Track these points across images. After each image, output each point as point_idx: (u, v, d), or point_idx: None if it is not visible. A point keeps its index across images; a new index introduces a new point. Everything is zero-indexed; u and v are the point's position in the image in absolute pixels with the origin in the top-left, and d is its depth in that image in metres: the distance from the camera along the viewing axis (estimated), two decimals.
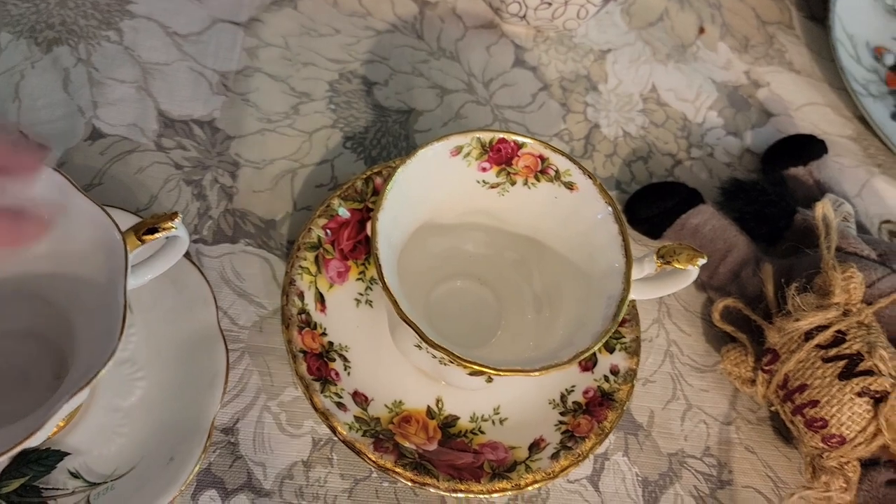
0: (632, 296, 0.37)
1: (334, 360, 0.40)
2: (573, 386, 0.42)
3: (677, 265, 0.35)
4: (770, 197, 0.48)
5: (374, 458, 0.37)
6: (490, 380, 0.37)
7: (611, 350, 0.43)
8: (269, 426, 0.40)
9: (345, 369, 0.40)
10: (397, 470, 0.37)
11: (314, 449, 0.40)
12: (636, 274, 0.36)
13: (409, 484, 0.37)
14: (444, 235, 0.43)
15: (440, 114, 0.51)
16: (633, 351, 0.43)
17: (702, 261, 0.35)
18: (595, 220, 0.37)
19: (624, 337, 0.43)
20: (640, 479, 0.43)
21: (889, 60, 0.62)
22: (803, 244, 0.46)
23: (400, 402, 0.41)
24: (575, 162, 0.38)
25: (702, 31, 0.60)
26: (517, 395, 0.42)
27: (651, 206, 0.48)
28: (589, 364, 0.43)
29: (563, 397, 0.42)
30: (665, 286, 0.38)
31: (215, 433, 0.39)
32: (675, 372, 0.46)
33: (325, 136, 0.48)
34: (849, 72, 0.58)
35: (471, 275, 0.44)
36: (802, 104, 0.59)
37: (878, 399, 0.39)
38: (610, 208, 0.37)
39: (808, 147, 0.52)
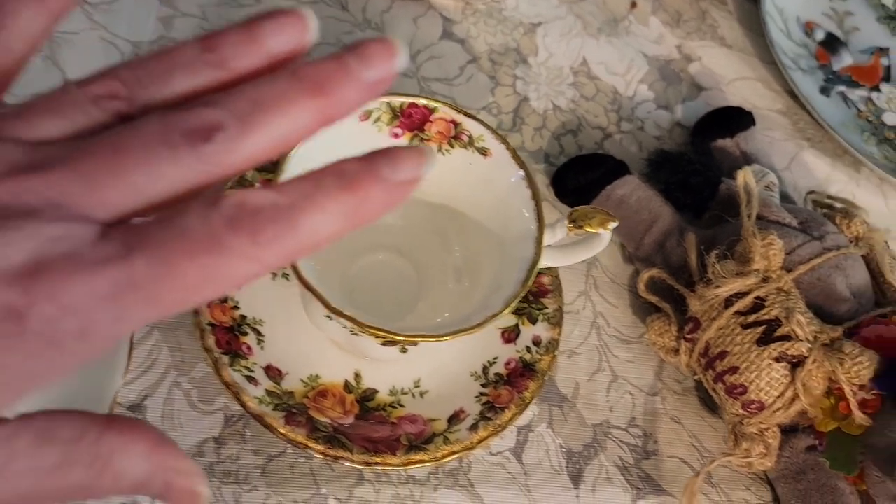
0: (546, 262, 0.36)
1: (246, 333, 0.39)
2: (496, 358, 0.42)
3: (589, 229, 0.35)
4: (695, 167, 0.48)
5: (284, 432, 0.36)
6: (404, 350, 0.37)
7: (533, 321, 0.43)
8: (179, 403, 0.38)
9: (258, 343, 0.39)
10: (309, 444, 0.36)
11: (226, 425, 0.39)
12: (549, 238, 0.36)
13: (321, 457, 0.36)
14: None
15: None
16: (556, 322, 0.42)
17: (613, 224, 0.35)
18: (509, 185, 0.37)
19: (546, 308, 0.43)
20: (564, 450, 0.42)
21: (819, 35, 0.62)
22: (727, 214, 0.46)
23: (316, 376, 0.40)
24: (488, 126, 0.37)
25: (633, 5, 0.60)
26: (437, 368, 0.41)
27: (577, 178, 0.48)
28: (512, 336, 0.42)
29: (485, 369, 0.42)
30: (579, 252, 0.37)
31: (121, 411, 0.37)
32: (601, 343, 0.46)
33: None
34: (778, 46, 0.58)
35: (391, 247, 0.43)
36: (733, 78, 0.60)
37: (796, 364, 0.39)
38: (522, 172, 0.36)
39: (737, 119, 0.53)
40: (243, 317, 0.39)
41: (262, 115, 0.19)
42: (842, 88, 0.60)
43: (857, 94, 0.60)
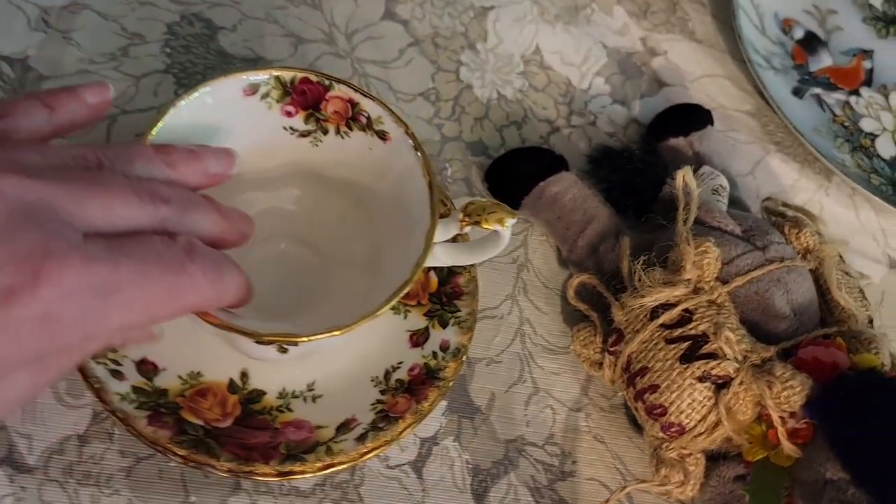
0: (437, 260, 0.33)
1: None
2: (400, 362, 0.39)
3: (485, 225, 0.32)
4: (637, 165, 0.44)
5: (145, 433, 0.33)
6: (283, 350, 0.33)
7: (444, 325, 0.39)
8: (43, 395, 0.36)
9: None
10: (169, 447, 0.33)
11: (93, 422, 0.36)
12: (442, 234, 0.33)
13: (181, 462, 0.33)
14: (262, 191, 0.39)
15: (291, 64, 0.47)
16: (468, 326, 0.39)
17: (511, 221, 0.32)
18: (406, 173, 0.34)
19: (459, 311, 0.40)
20: (470, 466, 0.39)
21: (798, 34, 0.59)
22: (669, 217, 0.42)
23: (198, 373, 0.37)
24: (387, 108, 0.34)
25: None
26: (336, 371, 0.38)
27: (510, 172, 0.44)
28: (420, 339, 0.39)
29: (387, 374, 0.38)
30: (476, 251, 0.34)
31: None
32: (524, 352, 0.43)
33: (155, 82, 0.44)
34: (748, 41, 0.55)
35: (295, 236, 0.40)
36: (700, 75, 0.56)
37: (721, 385, 0.36)
38: (419, 155, 0.33)
39: (693, 117, 0.49)
40: None
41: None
42: (817, 91, 0.56)
43: (833, 98, 0.56)
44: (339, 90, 0.34)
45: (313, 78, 0.34)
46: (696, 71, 0.56)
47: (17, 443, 0.34)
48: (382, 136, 0.34)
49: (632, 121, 0.52)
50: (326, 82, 0.34)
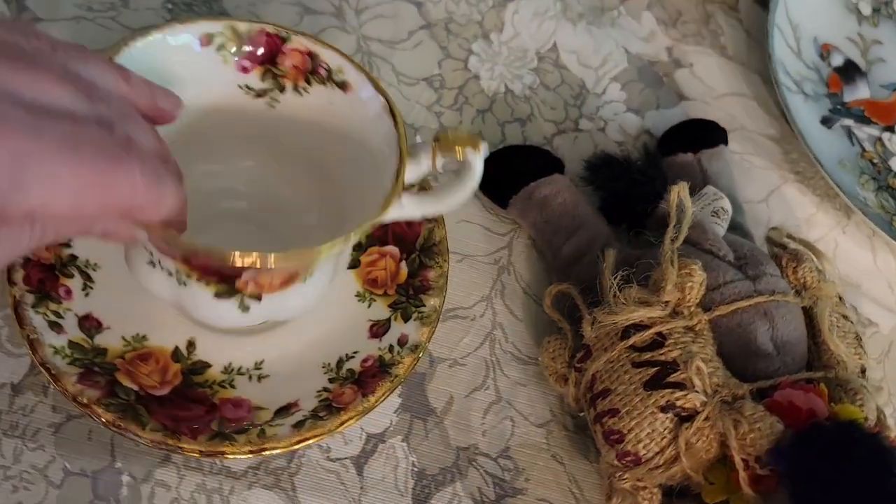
0: (407, 211, 0.32)
1: (72, 276, 0.35)
2: (355, 351, 0.37)
3: (458, 152, 0.31)
4: (635, 177, 0.42)
5: (72, 391, 0.32)
6: (245, 309, 0.32)
7: (406, 318, 0.38)
8: None
9: (83, 289, 0.35)
10: (94, 408, 0.32)
11: (30, 373, 0.35)
12: (413, 172, 0.31)
13: (104, 425, 0.32)
14: (213, 163, 0.38)
15: None
16: (429, 323, 0.37)
17: (483, 146, 0.31)
18: (369, 122, 0.32)
19: (424, 305, 0.38)
20: (415, 469, 0.38)
21: (836, 60, 0.56)
22: (661, 235, 0.40)
23: (143, 336, 0.36)
24: (347, 57, 0.33)
25: None
26: (287, 353, 0.37)
27: (501, 169, 0.43)
28: (380, 330, 0.38)
29: (339, 362, 0.37)
30: (444, 197, 0.33)
31: None
32: (492, 358, 0.41)
33: None
34: (779, 61, 0.52)
35: (246, 215, 0.39)
36: (725, 93, 0.54)
37: (685, 418, 0.34)
38: (382, 99, 0.32)
39: (706, 134, 0.47)
40: (73, 256, 0.36)
41: None
42: (848, 122, 0.53)
43: (865, 132, 0.53)
44: (298, 42, 0.33)
45: (270, 30, 0.33)
46: (721, 87, 0.54)
47: None
48: (343, 86, 0.33)
49: (644, 131, 0.50)
50: (284, 34, 0.33)
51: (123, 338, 0.35)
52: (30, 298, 0.33)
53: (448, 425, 0.39)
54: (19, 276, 0.34)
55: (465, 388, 0.40)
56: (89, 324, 0.35)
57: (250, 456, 0.33)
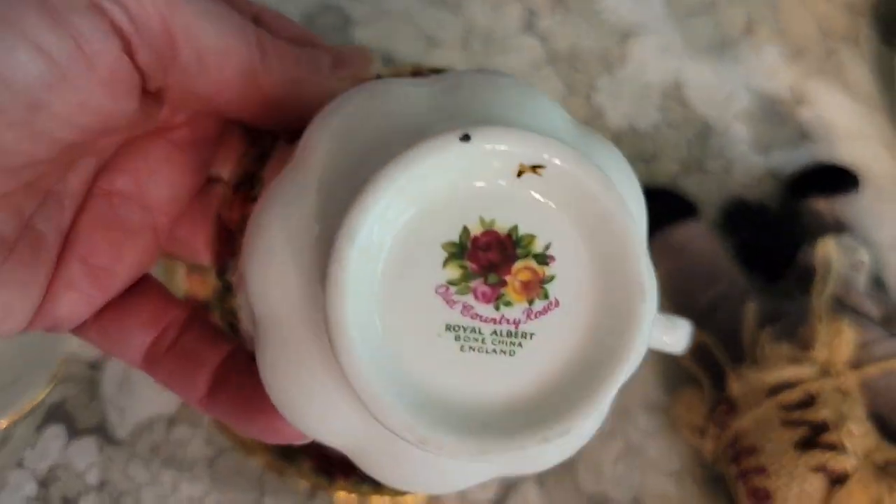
0: None
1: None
2: None
3: None
4: (774, 226, 0.43)
5: (234, 431, 0.34)
6: None
7: None
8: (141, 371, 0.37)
9: None
10: (255, 448, 0.34)
11: (184, 405, 0.37)
12: None
13: (263, 467, 0.34)
14: None
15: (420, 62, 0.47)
16: None
17: None
18: None
19: None
20: None
21: None
22: (801, 288, 0.41)
23: None
24: None
25: (750, 30, 0.55)
26: None
27: None
28: None
29: None
30: None
31: (80, 367, 0.36)
32: (622, 404, 0.42)
33: None
34: None
35: None
36: (850, 133, 0.54)
37: (836, 481, 0.34)
38: None
39: (839, 180, 0.47)
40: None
41: None
42: None
43: None
44: None
45: None
46: (847, 127, 0.54)
47: (110, 414, 0.36)
48: None
49: (768, 173, 0.51)
50: None
51: None
52: None
53: (579, 472, 0.40)
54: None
55: (596, 436, 0.41)
56: None
57: (395, 498, 0.35)
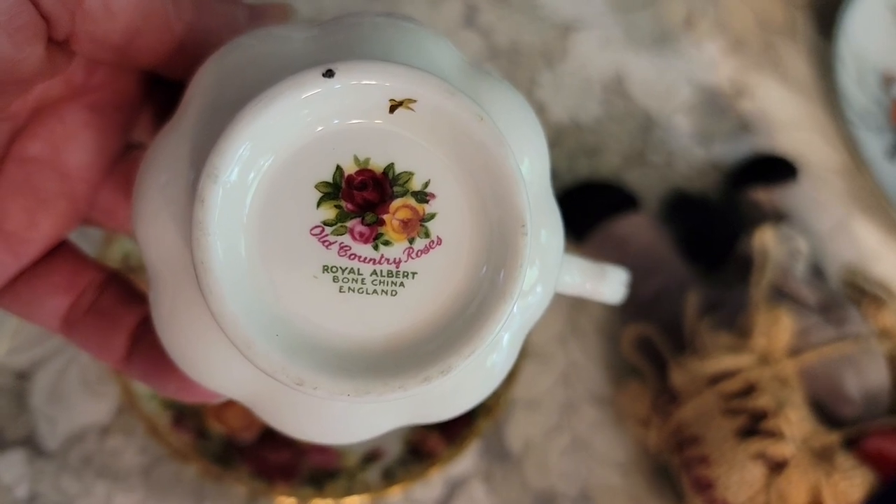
0: None
1: None
2: None
3: None
4: (715, 217, 0.43)
5: (168, 438, 0.33)
6: None
7: None
8: (72, 379, 0.36)
9: None
10: (190, 454, 0.33)
11: (118, 414, 0.36)
12: None
13: (200, 473, 0.33)
14: None
15: None
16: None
17: None
18: None
19: None
20: None
21: None
22: (740, 277, 0.41)
23: None
24: None
25: (690, 24, 0.56)
26: None
27: (576, 206, 0.44)
28: None
29: None
30: None
31: (7, 377, 0.35)
32: (567, 399, 0.42)
33: None
34: (844, 95, 0.53)
35: None
36: (788, 125, 0.55)
37: (775, 467, 0.35)
38: None
39: (777, 170, 0.48)
40: None
41: None
42: None
43: None
44: None
45: None
46: (785, 119, 0.55)
47: (39, 425, 0.35)
48: None
49: (710, 165, 0.52)
50: None
51: None
52: None
53: (526, 467, 0.40)
54: None
55: (541, 430, 0.41)
56: None
57: (339, 500, 0.34)
